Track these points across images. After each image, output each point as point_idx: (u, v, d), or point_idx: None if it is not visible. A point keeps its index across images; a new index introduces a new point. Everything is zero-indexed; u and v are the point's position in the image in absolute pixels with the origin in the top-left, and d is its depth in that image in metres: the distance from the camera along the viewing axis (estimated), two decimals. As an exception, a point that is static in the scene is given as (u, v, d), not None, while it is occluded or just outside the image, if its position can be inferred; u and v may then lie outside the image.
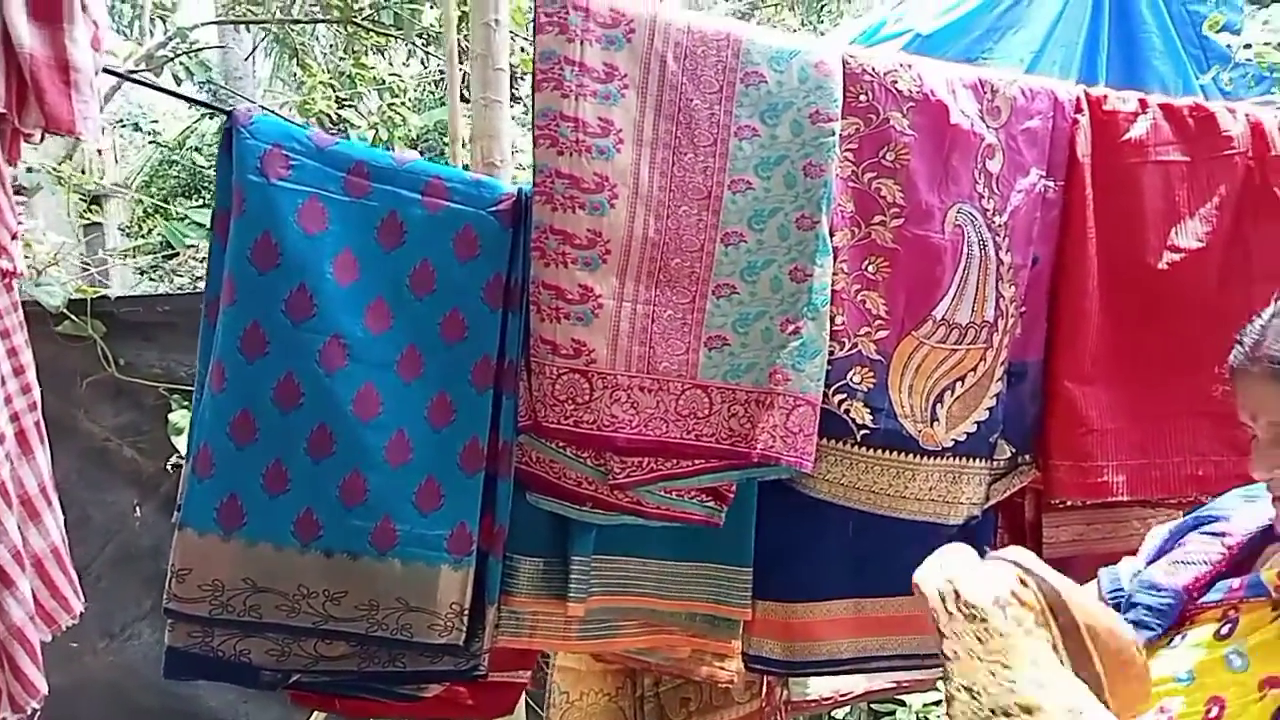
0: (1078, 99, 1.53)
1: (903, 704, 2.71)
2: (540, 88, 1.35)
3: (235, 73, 8.06)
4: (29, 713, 1.13)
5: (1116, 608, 1.10)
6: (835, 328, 1.46)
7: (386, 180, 1.40)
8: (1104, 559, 1.85)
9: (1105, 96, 1.55)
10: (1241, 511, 1.08)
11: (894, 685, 1.97)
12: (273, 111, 6.46)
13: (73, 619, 1.23)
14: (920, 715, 2.67)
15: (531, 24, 1.38)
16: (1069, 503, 1.59)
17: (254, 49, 6.80)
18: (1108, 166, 1.52)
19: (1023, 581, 0.91)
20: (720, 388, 1.44)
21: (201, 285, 3.29)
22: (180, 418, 2.63)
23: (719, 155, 1.41)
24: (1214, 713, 0.91)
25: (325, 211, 1.37)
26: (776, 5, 10.69)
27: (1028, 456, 1.59)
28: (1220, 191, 1.55)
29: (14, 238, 1.04)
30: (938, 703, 2.74)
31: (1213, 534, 1.06)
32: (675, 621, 1.62)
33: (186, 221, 6.48)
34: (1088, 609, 1.05)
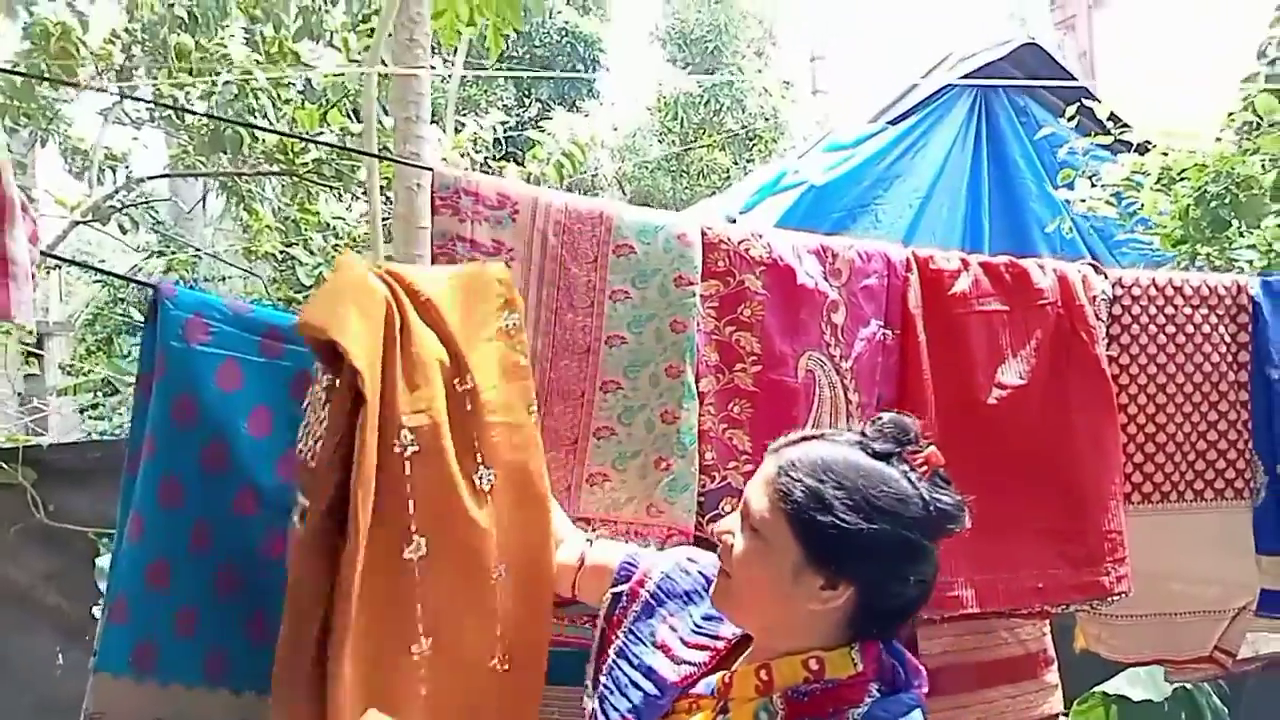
0: (907, 259, 1.77)
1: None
2: (436, 261, 1.55)
3: (185, 214, 8.30)
4: None
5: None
6: (706, 463, 1.63)
7: (298, 341, 1.56)
8: (977, 668, 2.02)
9: (932, 257, 1.79)
10: None
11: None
12: (219, 257, 6.66)
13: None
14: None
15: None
16: (930, 617, 1.74)
17: (203, 197, 7.04)
18: (937, 316, 1.75)
19: None
20: (602, 519, 1.59)
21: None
22: (107, 561, 2.68)
23: (596, 315, 1.61)
24: None
25: (241, 372, 1.53)
26: (709, 145, 11.38)
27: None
28: (1036, 335, 1.79)
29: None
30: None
31: (709, 636, 1.18)
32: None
33: (130, 358, 6.55)
34: None
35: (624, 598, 1.29)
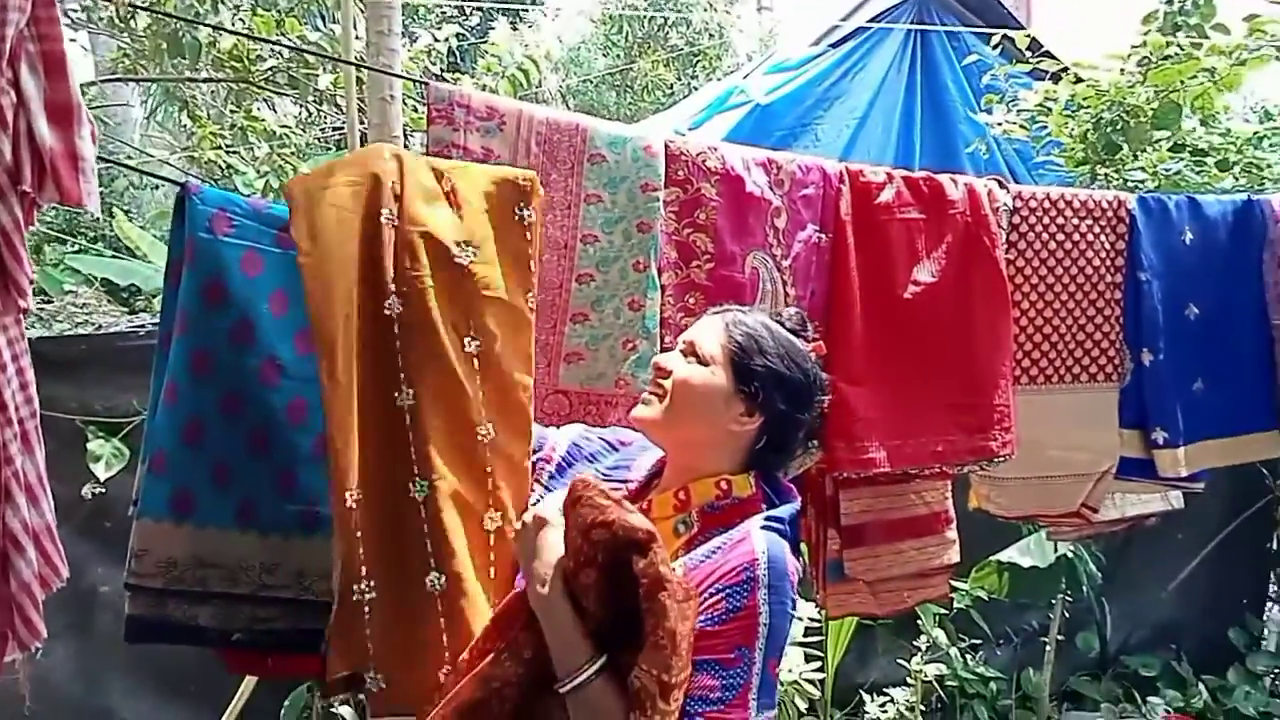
0: (840, 172, 2.04)
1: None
2: (433, 164, 1.76)
3: (115, 116, 8.12)
4: (32, 650, 1.44)
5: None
6: (666, 345, 1.90)
7: (312, 235, 1.77)
8: (889, 524, 2.37)
9: (862, 171, 2.06)
10: (641, 460, 1.45)
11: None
12: (165, 161, 6.61)
13: (62, 582, 1.54)
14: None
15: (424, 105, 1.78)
16: (849, 475, 2.07)
17: (148, 106, 6.92)
18: (864, 222, 2.03)
19: None
20: (577, 392, 1.86)
21: (83, 330, 3.48)
22: (98, 447, 2.86)
23: (573, 216, 1.85)
24: None
25: (262, 260, 1.73)
26: (654, 62, 11.39)
27: (815, 441, 2.05)
28: (947, 240, 2.09)
29: (31, 283, 1.38)
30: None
31: (620, 481, 1.41)
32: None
33: (62, 268, 6.50)
34: None
35: (538, 464, 1.52)
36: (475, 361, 1.52)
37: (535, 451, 1.55)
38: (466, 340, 1.52)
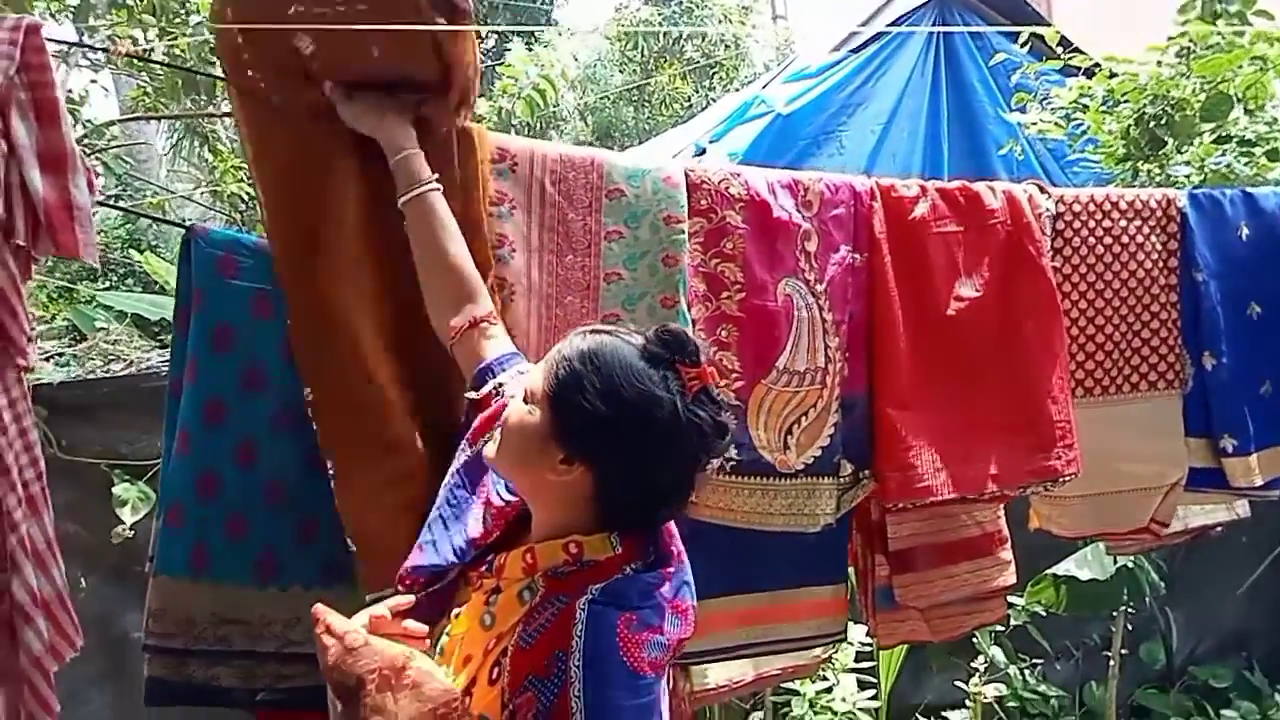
0: (871, 189, 1.93)
1: (797, 694, 3.05)
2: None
3: (140, 154, 8.19)
4: (48, 724, 1.38)
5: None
6: (699, 381, 1.81)
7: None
8: (940, 548, 2.24)
9: (893, 185, 1.95)
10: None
11: (780, 672, 2.28)
12: (188, 198, 6.64)
13: (75, 652, 1.47)
14: (813, 702, 3.01)
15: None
16: (903, 505, 1.96)
17: (172, 141, 6.96)
18: (900, 239, 1.91)
19: None
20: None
21: (115, 368, 3.44)
22: (123, 490, 2.81)
23: (593, 255, 1.74)
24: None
25: (271, 303, 1.66)
26: (670, 76, 11.34)
27: (866, 471, 1.94)
28: (990, 252, 1.97)
29: (30, 340, 1.32)
30: (828, 689, 3.08)
31: (505, 501, 1.25)
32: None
33: (94, 305, 6.52)
34: None
35: (472, 427, 1.34)
36: None
37: (480, 385, 1.36)
38: None
